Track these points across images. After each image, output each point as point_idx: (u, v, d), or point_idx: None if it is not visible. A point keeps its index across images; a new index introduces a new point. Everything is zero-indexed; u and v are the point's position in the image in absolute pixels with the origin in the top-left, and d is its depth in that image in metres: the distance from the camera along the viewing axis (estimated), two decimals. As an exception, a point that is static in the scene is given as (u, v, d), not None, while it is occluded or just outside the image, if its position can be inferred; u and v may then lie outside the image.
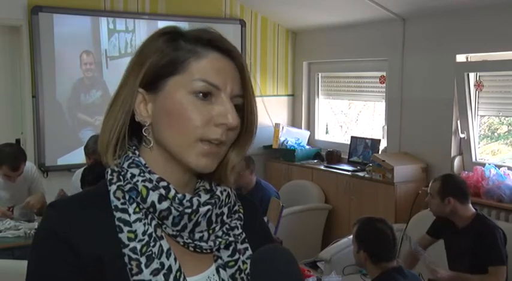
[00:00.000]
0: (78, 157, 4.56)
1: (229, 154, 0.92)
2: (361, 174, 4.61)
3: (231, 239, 0.92)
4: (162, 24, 4.99)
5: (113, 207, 0.86)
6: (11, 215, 3.64)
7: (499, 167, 3.90)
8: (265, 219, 3.86)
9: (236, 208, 0.96)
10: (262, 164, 5.54)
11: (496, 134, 4.48)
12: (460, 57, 4.16)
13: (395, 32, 4.61)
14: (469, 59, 4.17)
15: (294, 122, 5.82)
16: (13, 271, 2.61)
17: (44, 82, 4.56)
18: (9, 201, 3.74)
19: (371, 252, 2.56)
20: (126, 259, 0.83)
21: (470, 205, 3.08)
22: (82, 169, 3.51)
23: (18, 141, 4.61)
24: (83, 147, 3.85)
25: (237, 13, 5.44)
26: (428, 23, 4.38)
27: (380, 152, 4.77)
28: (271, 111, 5.62)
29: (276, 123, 5.49)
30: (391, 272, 2.51)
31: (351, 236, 2.77)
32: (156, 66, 0.87)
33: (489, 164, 3.93)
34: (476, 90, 4.13)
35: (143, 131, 0.89)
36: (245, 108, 0.91)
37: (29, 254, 0.87)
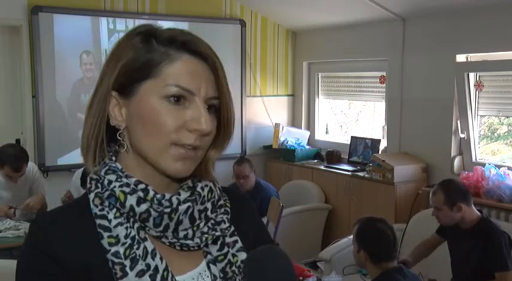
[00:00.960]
0: (78, 157, 4.46)
1: (208, 152, 0.92)
2: (361, 174, 4.61)
3: (218, 233, 0.91)
4: (162, 24, 4.96)
5: (93, 214, 0.86)
6: (12, 216, 3.64)
7: (499, 167, 3.90)
8: (266, 219, 3.87)
9: (221, 202, 0.95)
10: (263, 164, 5.54)
11: (496, 134, 4.48)
12: (460, 57, 4.16)
13: (395, 32, 4.61)
14: (469, 59, 4.17)
15: (294, 122, 5.82)
16: (13, 271, 2.61)
17: (44, 82, 4.56)
18: (10, 201, 3.73)
19: (371, 252, 2.56)
20: (110, 264, 0.84)
21: (474, 209, 3.06)
22: (82, 168, 3.52)
23: (18, 141, 4.61)
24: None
25: (237, 13, 5.44)
26: (428, 23, 4.38)
27: (380, 152, 4.77)
28: (271, 111, 5.63)
29: (276, 123, 5.49)
30: (391, 272, 2.51)
31: (351, 236, 2.77)
32: (128, 70, 0.87)
33: (489, 164, 3.93)
34: (476, 90, 4.13)
35: (118, 135, 0.89)
36: (221, 109, 0.90)
37: (16, 270, 0.89)
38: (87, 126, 0.89)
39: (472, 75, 4.12)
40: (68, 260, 0.83)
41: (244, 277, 0.88)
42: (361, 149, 5.02)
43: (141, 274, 0.84)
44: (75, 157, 4.63)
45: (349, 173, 4.75)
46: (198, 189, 0.91)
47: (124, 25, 4.85)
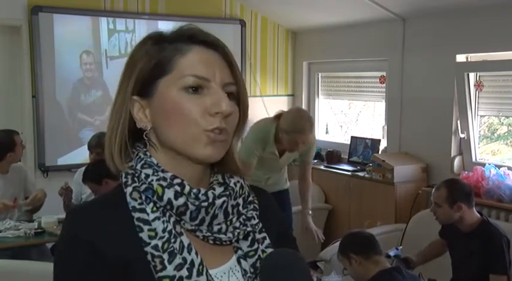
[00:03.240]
0: (78, 157, 4.57)
1: (232, 140, 0.94)
2: (361, 174, 4.62)
3: (249, 229, 0.93)
4: (162, 24, 4.99)
5: (131, 208, 0.88)
6: (11, 207, 3.63)
7: (499, 167, 3.90)
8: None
9: (251, 198, 0.97)
10: (262, 164, 5.54)
11: (495, 134, 4.48)
12: (460, 57, 4.16)
13: (395, 32, 4.61)
14: (469, 59, 4.17)
15: (294, 122, 5.81)
16: (13, 271, 2.61)
17: (44, 82, 4.56)
18: (3, 194, 3.72)
19: (358, 250, 2.63)
20: (149, 257, 0.85)
21: (475, 211, 3.04)
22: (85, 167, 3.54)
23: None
24: (83, 147, 3.87)
25: (237, 13, 5.44)
26: (428, 23, 4.38)
27: (380, 152, 4.77)
28: (271, 111, 5.59)
29: (276, 123, 5.49)
30: (390, 271, 2.54)
31: None
32: (145, 71, 0.90)
33: (489, 164, 3.93)
34: (476, 90, 4.13)
35: (144, 135, 0.92)
36: (240, 94, 0.93)
37: (55, 261, 0.89)
38: (108, 132, 0.92)
39: (472, 75, 4.12)
40: (106, 252, 0.85)
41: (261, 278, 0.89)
42: (361, 149, 5.02)
43: (179, 267, 0.85)
44: (75, 157, 4.64)
45: (349, 173, 4.75)
46: (231, 185, 0.93)
47: (124, 25, 4.85)
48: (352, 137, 5.18)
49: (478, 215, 3.03)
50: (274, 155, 3.42)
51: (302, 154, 3.54)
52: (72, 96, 4.71)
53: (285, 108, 5.77)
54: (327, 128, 5.84)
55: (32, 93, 4.56)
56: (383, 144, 4.87)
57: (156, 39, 0.92)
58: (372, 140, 4.96)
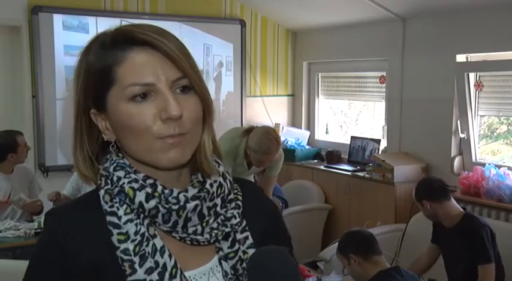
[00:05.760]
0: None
1: (202, 138, 0.90)
2: (361, 174, 4.62)
3: (228, 229, 0.90)
4: (162, 24, 4.93)
5: (104, 211, 0.87)
6: (4, 204, 3.64)
7: (499, 167, 3.90)
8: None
9: (231, 196, 0.94)
10: (262, 164, 5.54)
11: (495, 134, 4.48)
12: (460, 57, 4.16)
13: (395, 32, 4.61)
14: (469, 59, 4.17)
15: (294, 122, 5.82)
16: (13, 271, 2.61)
17: (44, 82, 4.56)
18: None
19: (357, 250, 2.62)
20: (120, 261, 0.84)
21: (455, 204, 3.13)
22: None
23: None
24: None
25: (237, 13, 5.44)
26: (428, 23, 4.38)
27: (380, 152, 4.77)
28: (271, 111, 5.63)
29: (276, 123, 5.50)
30: (390, 271, 2.54)
31: None
32: (89, 87, 0.88)
33: (489, 164, 3.93)
34: (476, 90, 4.13)
35: (110, 147, 0.91)
36: (194, 86, 0.86)
37: (29, 261, 0.90)
38: (72, 142, 0.92)
39: (472, 75, 4.12)
40: (79, 257, 0.85)
41: (248, 278, 0.88)
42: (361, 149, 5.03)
43: (149, 271, 0.84)
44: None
45: (349, 173, 4.75)
46: (207, 186, 0.89)
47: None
48: (352, 137, 5.18)
49: (461, 209, 3.11)
50: (243, 167, 3.50)
51: (268, 168, 3.61)
52: (72, 97, 4.70)
53: (285, 108, 5.82)
54: (327, 128, 5.84)
55: (32, 93, 4.56)
56: (383, 144, 4.87)
57: (95, 48, 0.88)
58: (372, 140, 4.96)
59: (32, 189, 3.94)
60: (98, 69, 0.86)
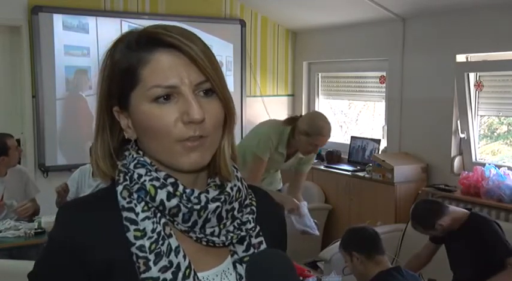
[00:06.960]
0: (78, 156, 4.57)
1: (221, 144, 0.90)
2: (361, 174, 4.62)
3: (243, 233, 0.91)
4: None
5: (121, 207, 0.87)
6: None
7: (499, 167, 3.90)
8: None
9: (247, 201, 0.95)
10: (262, 164, 5.53)
11: (495, 134, 4.48)
12: (460, 57, 4.16)
13: (395, 32, 4.61)
14: (469, 59, 4.17)
15: (294, 122, 5.81)
16: (13, 271, 2.61)
17: (44, 82, 4.56)
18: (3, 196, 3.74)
19: (360, 248, 2.61)
20: (134, 258, 0.84)
21: (457, 208, 3.11)
22: (88, 165, 3.56)
23: (18, 141, 4.60)
24: (83, 147, 3.87)
25: (237, 13, 5.44)
26: (428, 23, 4.38)
27: (380, 152, 4.77)
28: (271, 111, 5.62)
29: (276, 123, 5.49)
30: (391, 271, 2.54)
31: None
32: (113, 85, 0.88)
33: (489, 164, 3.93)
34: (476, 90, 4.13)
35: (131, 146, 0.91)
36: (216, 90, 0.87)
37: (40, 255, 0.90)
38: (94, 141, 0.93)
39: (472, 75, 4.12)
40: (92, 255, 0.85)
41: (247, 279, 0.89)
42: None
43: (163, 270, 0.84)
44: (75, 157, 4.63)
45: (349, 173, 4.75)
46: (228, 189, 0.90)
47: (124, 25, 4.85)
48: (352, 137, 5.18)
49: (465, 210, 3.09)
50: (282, 156, 3.43)
51: (301, 163, 3.57)
52: (72, 96, 4.71)
53: (285, 109, 5.81)
54: (327, 128, 5.83)
55: (32, 93, 4.56)
56: (383, 144, 4.87)
57: (120, 47, 0.88)
58: (372, 140, 4.96)
59: (27, 191, 3.93)
60: (122, 69, 0.87)
